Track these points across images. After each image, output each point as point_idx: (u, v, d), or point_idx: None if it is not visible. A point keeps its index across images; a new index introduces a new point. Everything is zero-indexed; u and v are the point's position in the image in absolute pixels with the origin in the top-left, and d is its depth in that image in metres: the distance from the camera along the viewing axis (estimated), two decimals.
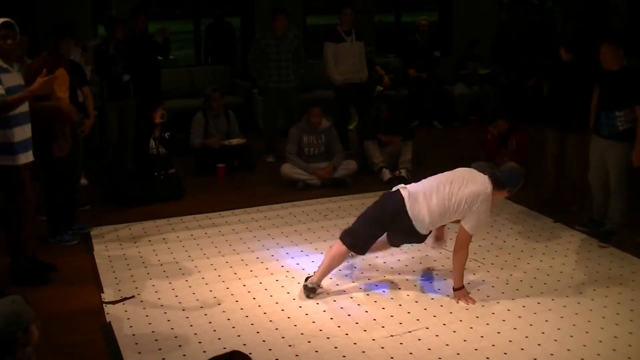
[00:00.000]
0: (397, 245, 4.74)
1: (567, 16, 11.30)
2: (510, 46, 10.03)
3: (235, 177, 7.35)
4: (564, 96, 5.82)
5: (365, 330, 4.05)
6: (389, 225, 4.45)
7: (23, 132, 4.51)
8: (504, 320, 4.16)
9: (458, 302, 4.40)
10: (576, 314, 4.25)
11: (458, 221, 4.39)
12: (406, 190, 4.40)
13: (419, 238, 4.49)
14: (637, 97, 5.08)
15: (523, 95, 9.36)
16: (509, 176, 4.37)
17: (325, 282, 4.70)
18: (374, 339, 3.95)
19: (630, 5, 10.89)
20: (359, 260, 5.07)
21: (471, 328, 4.07)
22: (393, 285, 4.67)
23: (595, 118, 5.36)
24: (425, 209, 4.29)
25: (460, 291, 4.45)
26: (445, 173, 4.48)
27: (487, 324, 4.12)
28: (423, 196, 4.32)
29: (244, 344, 3.89)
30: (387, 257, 5.13)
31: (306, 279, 4.57)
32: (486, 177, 4.37)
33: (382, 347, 3.86)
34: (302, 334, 4.02)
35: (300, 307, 4.36)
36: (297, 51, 7.89)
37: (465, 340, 3.93)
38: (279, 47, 7.72)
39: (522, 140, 7.04)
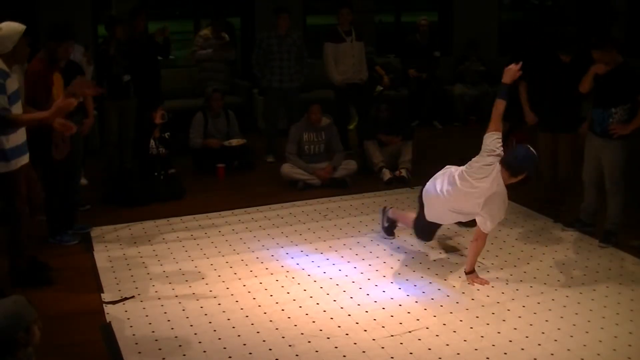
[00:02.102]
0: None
1: (566, 17, 11.30)
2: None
3: (235, 177, 7.35)
4: (556, 98, 5.84)
5: (365, 330, 4.05)
6: None
7: (16, 138, 4.47)
8: (504, 320, 4.16)
9: (473, 285, 4.61)
10: (576, 314, 4.25)
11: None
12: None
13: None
14: (633, 93, 5.10)
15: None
16: (522, 161, 4.43)
17: (326, 283, 4.71)
18: (374, 339, 3.95)
19: (630, 6, 10.89)
20: (359, 261, 5.08)
21: (471, 328, 4.07)
22: (393, 286, 4.67)
23: (591, 116, 5.37)
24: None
25: (470, 275, 4.68)
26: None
27: (487, 324, 4.12)
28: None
29: (244, 344, 3.90)
30: (387, 257, 5.14)
31: None
32: (496, 168, 4.47)
33: (382, 347, 3.86)
34: (302, 334, 4.02)
35: (300, 307, 4.36)
36: (300, 52, 7.89)
37: (465, 340, 3.93)
38: (282, 46, 7.73)
39: (522, 140, 7.03)
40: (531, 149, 4.50)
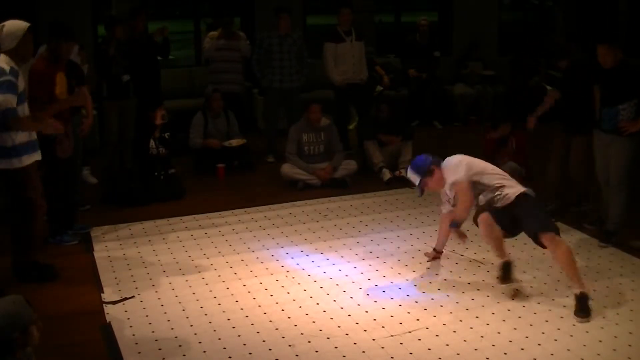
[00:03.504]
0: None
1: (567, 17, 11.32)
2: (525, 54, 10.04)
3: (235, 177, 7.35)
4: (567, 100, 5.86)
5: (365, 331, 4.05)
6: None
7: (27, 134, 4.51)
8: (504, 321, 4.16)
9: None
10: None
11: None
12: None
13: None
14: (638, 89, 5.11)
15: (527, 97, 9.39)
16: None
17: (326, 283, 4.70)
18: (374, 339, 3.95)
19: (630, 5, 10.90)
20: (359, 261, 5.08)
21: (471, 328, 4.07)
22: (393, 286, 4.67)
23: (599, 114, 5.37)
24: None
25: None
26: None
27: (487, 324, 4.11)
28: None
29: (244, 344, 3.90)
30: (387, 257, 5.14)
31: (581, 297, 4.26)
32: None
33: (382, 347, 3.86)
34: (302, 334, 4.02)
35: (300, 307, 4.36)
36: (301, 52, 7.89)
37: (465, 341, 3.93)
38: (282, 46, 7.73)
39: (521, 141, 7.04)
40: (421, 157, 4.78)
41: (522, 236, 5.51)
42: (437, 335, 3.98)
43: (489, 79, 10.11)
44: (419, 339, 3.94)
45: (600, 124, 5.35)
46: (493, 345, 3.87)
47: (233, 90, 8.02)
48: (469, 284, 4.67)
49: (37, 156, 4.61)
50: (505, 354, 3.79)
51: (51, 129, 4.69)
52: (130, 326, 4.13)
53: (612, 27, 10.24)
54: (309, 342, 3.93)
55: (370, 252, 5.25)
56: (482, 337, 3.97)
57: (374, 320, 4.17)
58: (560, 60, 6.01)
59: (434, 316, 4.22)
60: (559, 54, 6.08)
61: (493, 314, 4.25)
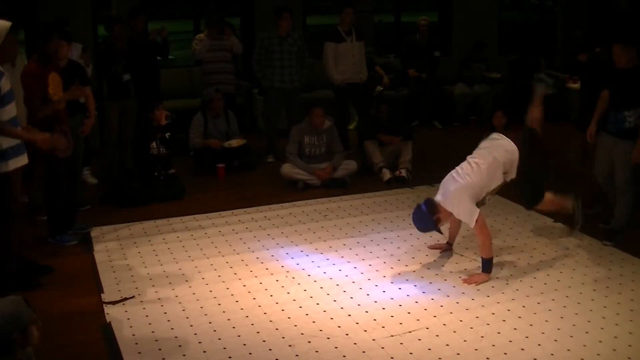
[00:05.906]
0: None
1: (567, 16, 11.31)
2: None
3: (235, 177, 7.35)
4: (583, 95, 5.86)
5: (365, 331, 4.05)
6: None
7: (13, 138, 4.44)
8: (504, 321, 4.16)
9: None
10: (576, 314, 4.25)
11: None
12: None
13: None
14: None
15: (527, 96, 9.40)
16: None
17: (326, 283, 4.70)
18: (374, 339, 3.95)
19: (630, 5, 10.90)
20: (359, 261, 5.08)
21: (471, 328, 4.07)
22: (393, 286, 4.67)
23: (605, 116, 5.36)
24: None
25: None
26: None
27: (487, 324, 4.12)
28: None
29: (244, 344, 3.90)
30: (387, 257, 5.14)
31: None
32: None
33: (382, 347, 3.86)
34: (302, 334, 4.02)
35: (300, 307, 4.36)
36: (301, 52, 7.89)
37: (465, 341, 3.93)
38: (283, 46, 7.73)
39: (519, 138, 7.03)
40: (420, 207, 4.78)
41: (522, 236, 5.54)
42: (437, 335, 3.98)
43: (489, 79, 10.10)
44: (419, 339, 3.94)
45: (605, 126, 5.34)
46: (493, 345, 3.87)
47: (227, 91, 8.00)
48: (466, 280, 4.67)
49: (23, 160, 4.51)
50: (505, 354, 3.79)
51: (47, 144, 4.56)
52: (130, 326, 4.13)
53: (632, 26, 10.19)
54: (309, 342, 3.93)
55: (371, 252, 5.25)
56: (482, 337, 3.97)
57: (374, 320, 4.17)
58: (579, 54, 5.99)
59: (434, 316, 4.22)
60: (578, 47, 6.08)
61: (493, 314, 4.25)
